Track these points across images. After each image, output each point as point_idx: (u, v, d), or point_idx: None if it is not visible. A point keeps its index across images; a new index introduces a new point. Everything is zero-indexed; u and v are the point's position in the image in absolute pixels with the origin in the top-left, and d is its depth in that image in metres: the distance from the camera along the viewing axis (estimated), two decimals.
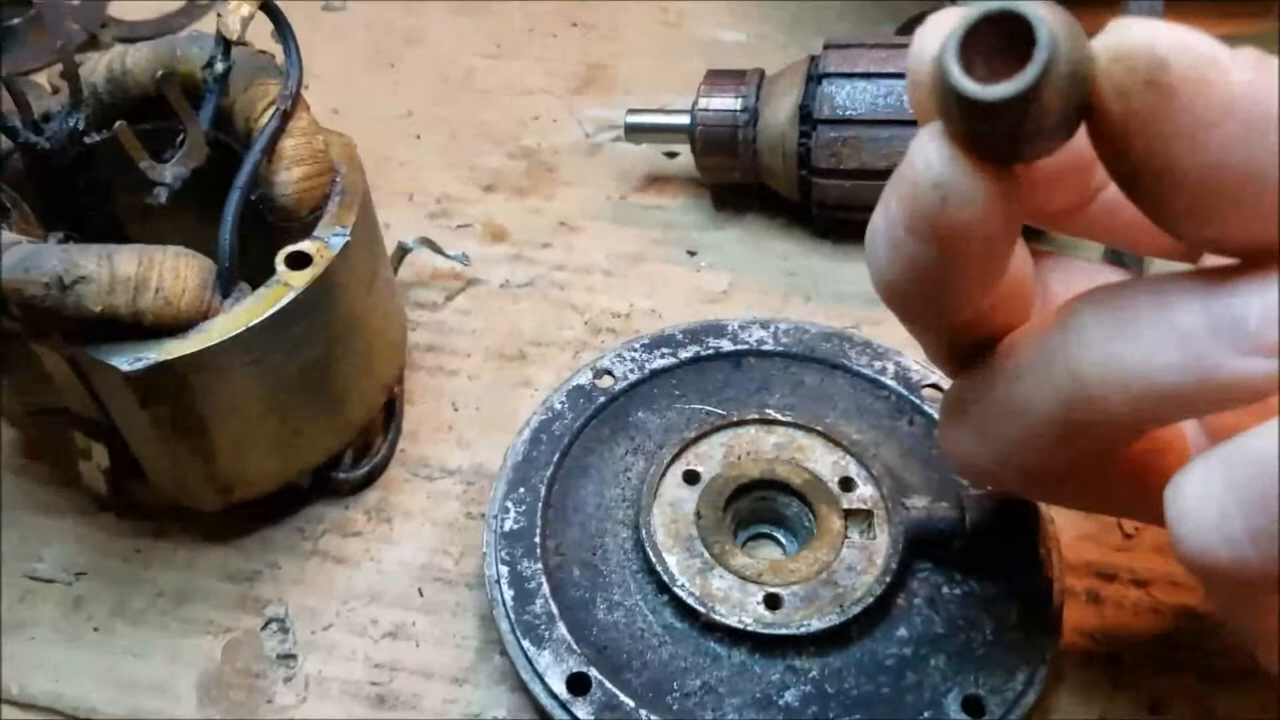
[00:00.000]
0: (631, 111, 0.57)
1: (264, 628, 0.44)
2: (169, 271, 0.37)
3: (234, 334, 0.38)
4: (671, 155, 0.61)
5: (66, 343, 0.38)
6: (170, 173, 0.39)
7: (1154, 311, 0.26)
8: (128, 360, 0.37)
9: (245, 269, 0.41)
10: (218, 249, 0.39)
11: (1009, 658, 0.39)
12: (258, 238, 0.42)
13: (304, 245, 0.40)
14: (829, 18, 0.68)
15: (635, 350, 0.48)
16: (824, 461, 0.43)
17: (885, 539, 0.41)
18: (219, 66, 0.40)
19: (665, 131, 0.57)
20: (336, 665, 0.43)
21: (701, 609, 0.39)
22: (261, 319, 0.39)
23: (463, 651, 0.43)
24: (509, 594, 0.41)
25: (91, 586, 0.45)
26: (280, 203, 0.41)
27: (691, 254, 0.57)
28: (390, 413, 0.49)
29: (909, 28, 0.66)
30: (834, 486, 0.43)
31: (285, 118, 0.41)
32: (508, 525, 0.43)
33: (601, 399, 0.46)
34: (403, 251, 0.54)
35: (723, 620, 0.39)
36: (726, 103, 0.54)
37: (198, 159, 0.40)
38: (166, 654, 0.43)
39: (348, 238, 0.41)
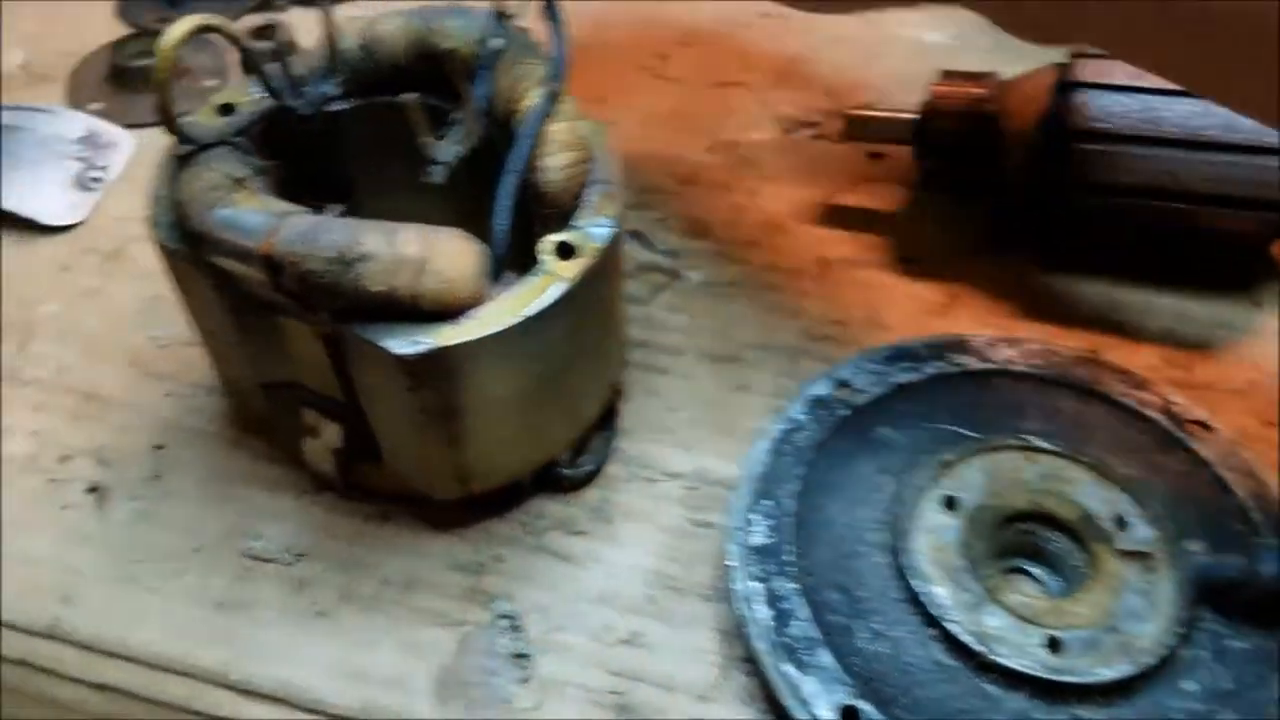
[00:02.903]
0: (854, 107, 0.54)
1: (494, 623, 0.42)
2: (448, 254, 0.35)
3: (507, 324, 0.36)
4: (877, 156, 0.59)
5: (332, 321, 0.36)
6: (448, 150, 0.37)
7: None
8: (404, 344, 0.35)
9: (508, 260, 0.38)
10: (491, 233, 0.37)
11: None
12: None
13: (568, 235, 0.38)
14: None
15: (875, 362, 0.45)
16: (1094, 496, 0.41)
17: (1169, 585, 0.38)
18: (495, 42, 0.38)
19: (890, 129, 0.54)
20: (573, 669, 0.41)
21: (979, 648, 0.37)
22: (536, 309, 0.36)
23: (704, 666, 0.41)
24: (765, 613, 0.38)
25: (314, 569, 0.43)
26: (545, 189, 0.38)
27: (907, 261, 0.54)
28: (608, 409, 0.47)
29: None
30: (1108, 524, 0.40)
31: (555, 99, 0.38)
32: (755, 539, 0.40)
33: (843, 412, 0.44)
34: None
35: (1003, 662, 0.36)
36: (963, 104, 0.51)
37: (474, 138, 0.38)
38: (399, 645, 0.41)
39: (615, 229, 0.39)
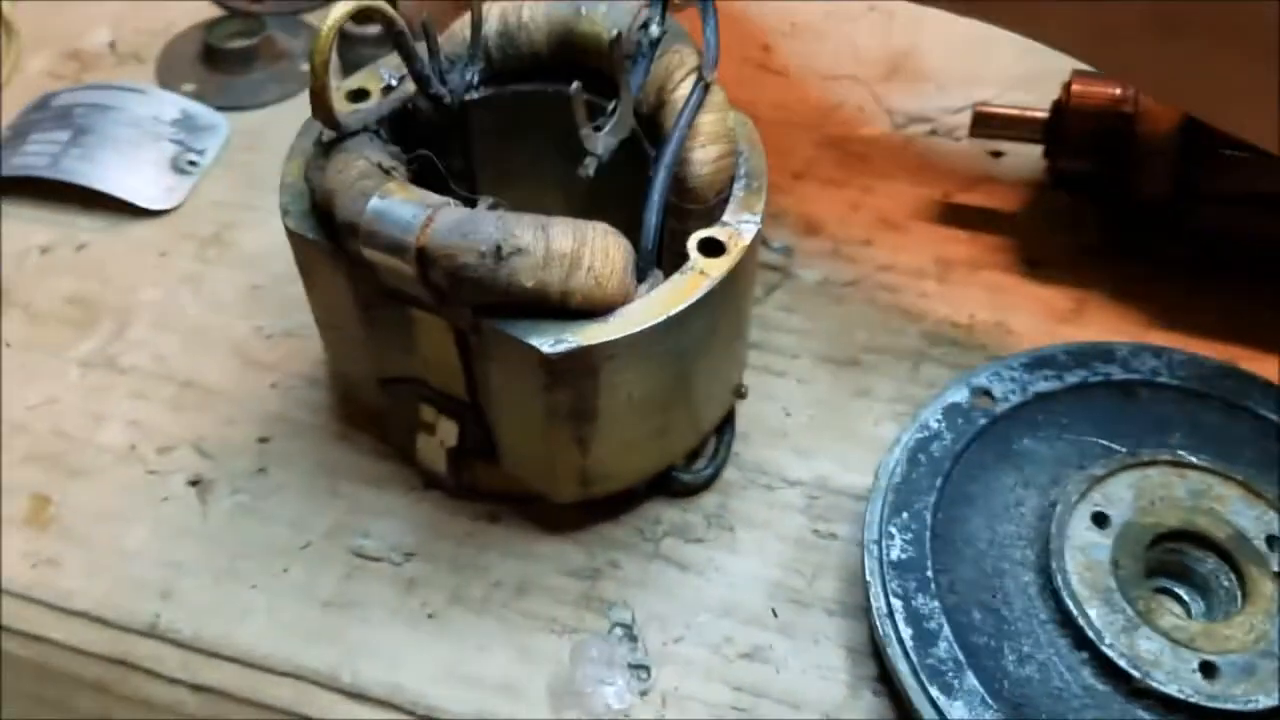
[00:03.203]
0: (981, 104, 0.53)
1: (610, 632, 0.41)
2: (600, 250, 0.34)
3: (655, 322, 0.35)
4: (997, 155, 0.57)
5: (476, 316, 0.35)
6: (602, 143, 0.36)
7: None
8: (549, 341, 0.34)
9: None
10: (641, 229, 0.36)
11: None
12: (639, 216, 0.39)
13: (716, 232, 0.37)
14: None
15: (1014, 369, 0.44)
16: (1245, 515, 0.39)
17: None
18: (654, 29, 0.37)
19: (1020, 127, 0.52)
20: (693, 683, 0.40)
21: (1134, 672, 0.35)
22: (681, 307, 0.35)
23: (831, 685, 0.39)
24: (906, 632, 0.37)
25: (423, 569, 0.43)
26: (693, 183, 0.37)
27: (1032, 264, 0.52)
28: (726, 413, 0.46)
29: None
30: (1260, 544, 0.38)
31: (707, 89, 0.37)
32: (894, 554, 0.39)
33: (982, 421, 0.42)
34: None
35: (1158, 687, 0.35)
36: (1102, 105, 0.49)
37: (626, 129, 0.36)
38: (512, 650, 0.40)
39: (759, 226, 0.38)
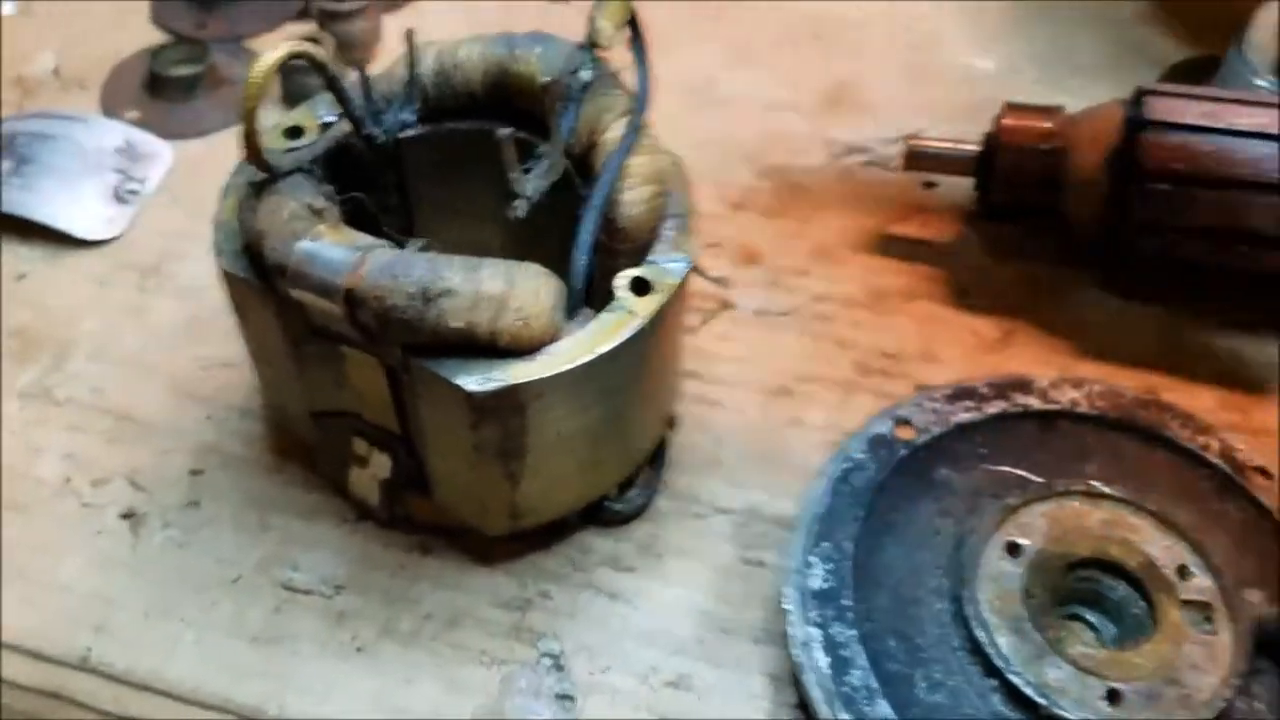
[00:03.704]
0: (914, 137, 0.55)
1: (539, 662, 0.42)
2: (529, 292, 0.36)
3: (583, 361, 0.37)
4: (930, 185, 0.59)
5: (402, 355, 0.37)
6: (531, 185, 0.37)
7: None
8: (477, 380, 0.36)
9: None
10: (570, 269, 0.37)
11: None
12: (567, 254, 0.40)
13: (645, 271, 0.39)
14: (1081, 51, 0.66)
15: (936, 400, 0.46)
16: (1157, 545, 0.41)
17: (1228, 636, 0.39)
18: (585, 74, 0.39)
19: (951, 161, 0.54)
20: (619, 712, 0.41)
21: (1041, 700, 0.37)
22: (609, 347, 0.37)
23: (753, 711, 0.41)
24: (822, 660, 0.39)
25: (353, 601, 0.44)
26: (623, 224, 0.39)
27: (963, 294, 0.55)
28: (658, 443, 0.48)
29: (1178, 74, 0.63)
30: (1170, 574, 0.40)
31: (637, 132, 0.39)
32: (815, 584, 0.41)
33: (903, 451, 0.44)
34: None
35: (1064, 715, 0.37)
36: (1031, 137, 0.52)
37: (557, 172, 0.38)
38: (441, 682, 0.42)
39: (690, 266, 0.39)
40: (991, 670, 0.38)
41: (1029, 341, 0.52)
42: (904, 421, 0.45)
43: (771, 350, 0.52)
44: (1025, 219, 0.54)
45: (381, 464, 0.43)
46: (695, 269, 0.52)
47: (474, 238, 0.44)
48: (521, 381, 0.36)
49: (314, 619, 0.44)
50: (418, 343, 0.36)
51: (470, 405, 0.36)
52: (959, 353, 0.52)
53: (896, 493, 0.44)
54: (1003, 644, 0.39)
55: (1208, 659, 0.39)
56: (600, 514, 0.46)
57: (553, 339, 0.37)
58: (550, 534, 0.45)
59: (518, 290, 0.35)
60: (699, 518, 0.47)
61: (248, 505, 0.47)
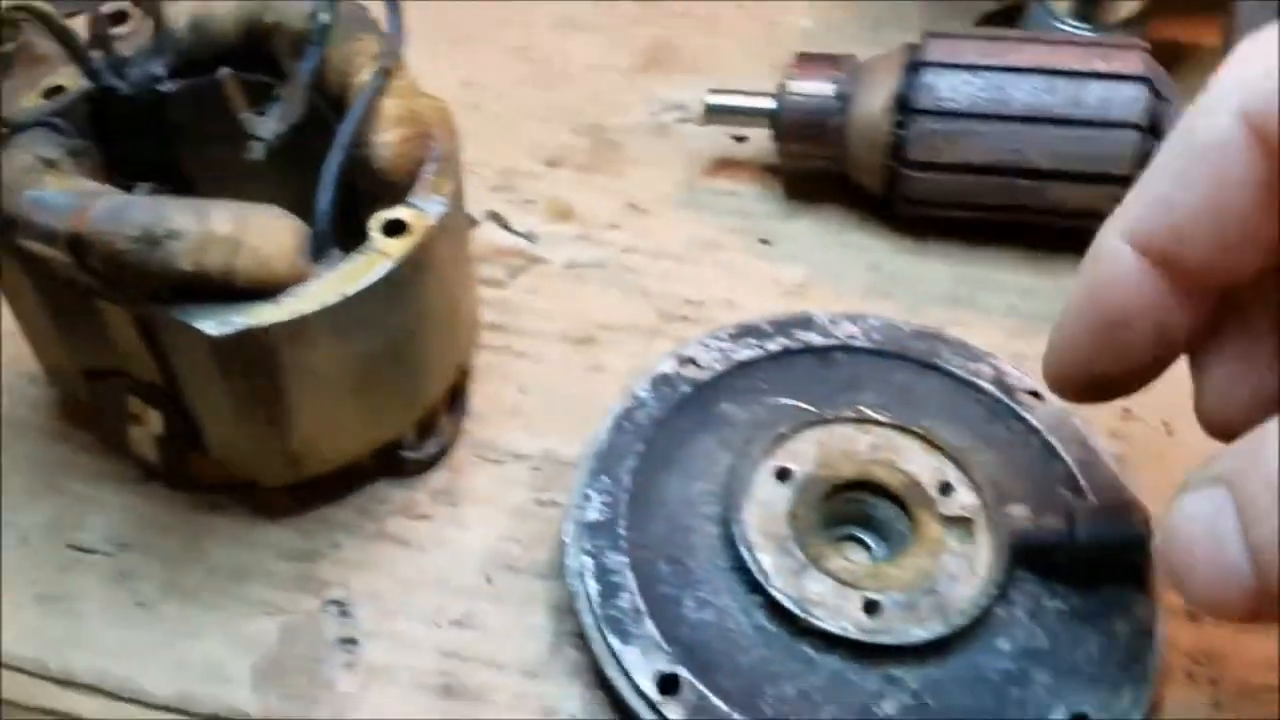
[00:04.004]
0: (712, 92, 0.57)
1: (324, 610, 0.43)
2: (263, 231, 0.36)
3: (329, 303, 0.37)
4: (740, 139, 0.61)
5: (147, 302, 0.37)
6: (268, 127, 0.38)
7: None
8: (215, 324, 0.36)
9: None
10: (314, 211, 0.38)
11: (1115, 675, 0.39)
12: (340, 201, 0.41)
13: (400, 212, 0.40)
14: (907, 8, 0.68)
15: (721, 340, 0.47)
16: (922, 465, 0.43)
17: (987, 548, 0.41)
18: (324, 17, 0.39)
19: (747, 114, 0.56)
20: (401, 652, 0.42)
21: (798, 612, 0.39)
22: (357, 288, 0.38)
23: (535, 644, 0.42)
24: (593, 587, 0.40)
25: (138, 560, 0.44)
26: (377, 165, 0.40)
27: (765, 243, 0.56)
28: (456, 391, 0.49)
29: (987, 22, 0.66)
30: (933, 491, 0.42)
31: (388, 75, 0.40)
32: (590, 516, 0.42)
33: (686, 389, 0.46)
34: (469, 224, 0.53)
35: (819, 625, 0.39)
36: (818, 87, 0.54)
37: (297, 114, 0.39)
38: (220, 634, 0.42)
39: (446, 208, 0.40)
40: (755, 587, 0.40)
41: (826, 286, 0.54)
42: (689, 360, 0.47)
43: (578, 302, 0.54)
44: (819, 169, 0.56)
45: (156, 421, 0.43)
46: (500, 223, 0.54)
47: (253, 193, 0.44)
48: (264, 324, 0.36)
49: (98, 578, 0.44)
50: (156, 289, 0.36)
51: (213, 350, 0.36)
52: (760, 299, 0.53)
53: (677, 428, 0.45)
54: (765, 562, 0.40)
55: (966, 570, 0.41)
56: (395, 463, 0.46)
57: (297, 281, 0.37)
58: (343, 486, 0.46)
59: (251, 231, 0.36)
60: (497, 464, 0.48)
61: (36, 470, 0.47)
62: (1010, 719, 0.38)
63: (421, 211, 0.40)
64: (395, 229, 0.39)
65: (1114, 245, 0.33)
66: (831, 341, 0.47)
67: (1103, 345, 0.34)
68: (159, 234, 0.35)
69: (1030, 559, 0.41)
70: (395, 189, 0.40)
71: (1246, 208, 0.31)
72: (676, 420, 0.45)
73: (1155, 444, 0.48)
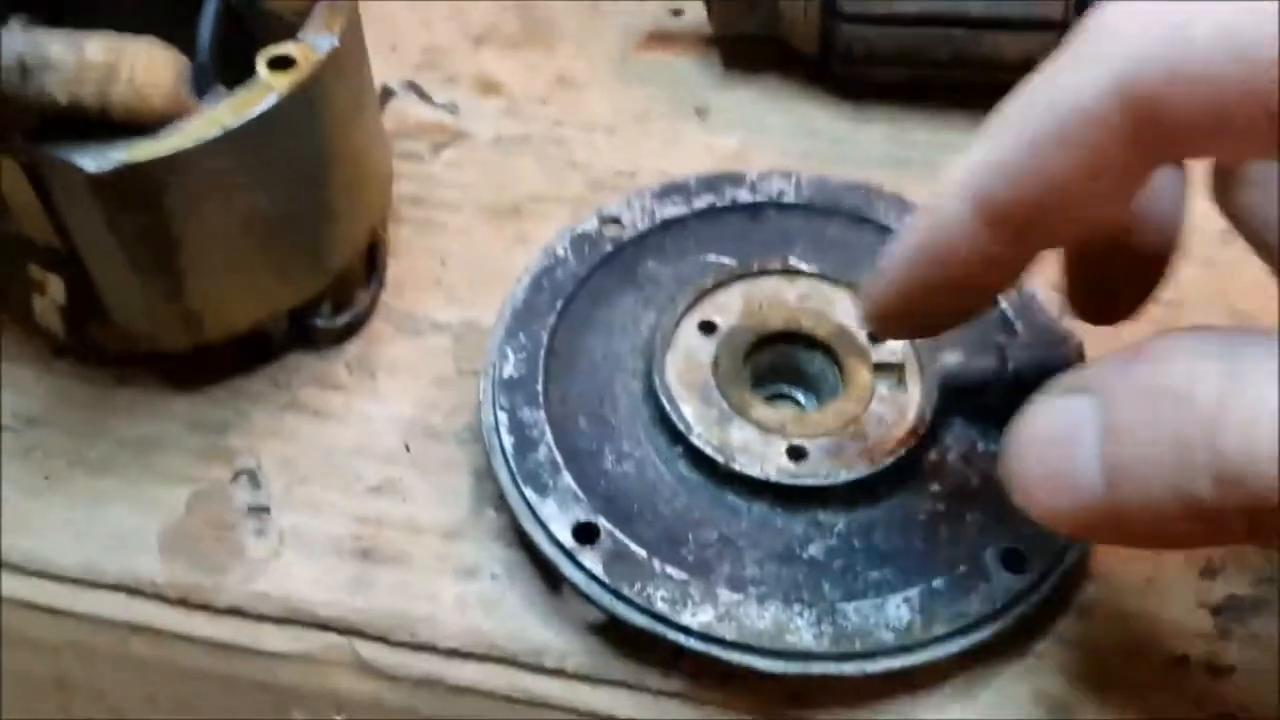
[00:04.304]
0: None
1: (234, 479, 0.41)
2: (141, 61, 0.34)
3: (212, 136, 0.35)
4: (677, 12, 0.59)
5: (26, 144, 0.35)
6: None
7: None
8: (94, 160, 0.34)
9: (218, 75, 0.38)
10: (196, 43, 0.36)
11: None
12: (234, 47, 0.39)
13: (287, 47, 0.38)
14: None
15: (644, 198, 0.46)
16: (850, 314, 0.42)
17: (917, 392, 0.40)
18: None
19: None
20: (315, 520, 0.40)
21: (719, 459, 0.38)
22: (241, 122, 0.36)
23: (454, 508, 0.41)
24: (509, 441, 0.39)
25: (45, 435, 0.43)
26: (264, 2, 0.38)
27: (701, 113, 0.54)
28: (373, 263, 0.47)
29: None
30: (862, 340, 0.41)
31: None
32: (506, 372, 0.41)
33: (609, 248, 0.44)
34: (386, 95, 0.51)
35: (742, 471, 0.37)
36: None
37: None
38: (127, 505, 0.41)
39: (336, 43, 0.38)
40: (676, 437, 0.38)
41: (763, 153, 0.52)
42: (612, 219, 0.45)
43: (504, 175, 0.52)
44: (758, 33, 0.54)
45: (58, 288, 0.41)
46: (419, 94, 0.52)
47: (134, 29, 0.42)
48: (145, 159, 0.34)
49: (4, 454, 0.42)
50: (35, 127, 0.34)
51: (93, 188, 0.35)
52: (694, 168, 0.51)
53: (599, 287, 0.43)
54: (687, 411, 0.39)
55: (895, 414, 0.39)
56: (309, 334, 0.45)
57: (178, 114, 0.35)
58: (255, 357, 0.44)
59: (126, 60, 0.34)
60: (416, 335, 0.46)
61: None
62: (940, 557, 0.37)
63: (310, 47, 0.38)
64: (282, 64, 0.37)
65: (955, 207, 0.29)
66: (761, 198, 0.46)
67: (929, 287, 0.32)
68: (32, 63, 0.33)
69: (962, 400, 0.39)
70: (286, 26, 0.38)
71: (1114, 183, 0.27)
72: (598, 279, 0.43)
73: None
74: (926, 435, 0.38)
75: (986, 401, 0.39)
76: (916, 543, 0.37)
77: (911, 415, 0.39)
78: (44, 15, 0.40)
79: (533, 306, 0.42)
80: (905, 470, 0.38)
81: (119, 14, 0.40)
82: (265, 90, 0.36)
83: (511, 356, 0.41)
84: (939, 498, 0.38)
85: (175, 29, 0.39)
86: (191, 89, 0.36)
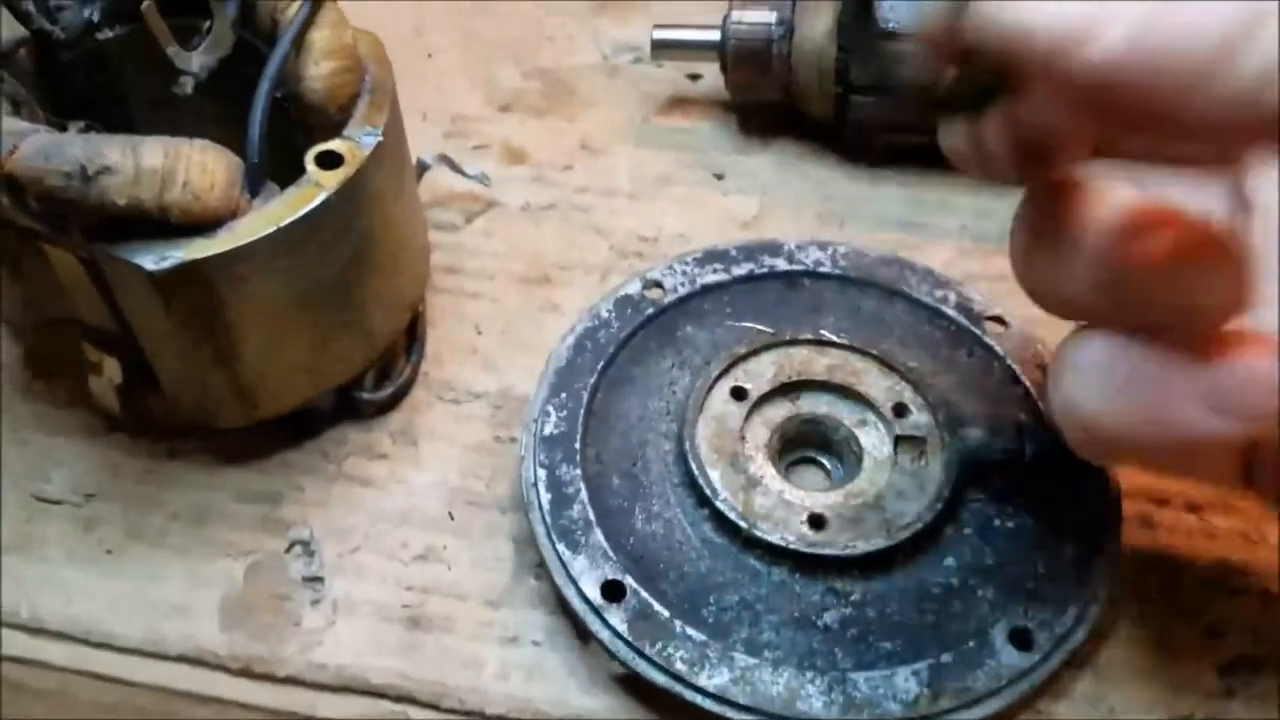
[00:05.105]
0: (658, 27, 0.56)
1: (288, 550, 0.43)
2: (196, 165, 0.36)
3: (264, 233, 0.37)
4: (695, 77, 0.60)
5: (86, 242, 0.37)
6: (197, 61, 0.37)
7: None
8: (153, 259, 0.36)
9: (269, 172, 0.39)
10: (246, 144, 0.37)
11: (1061, 593, 0.38)
12: (280, 141, 0.40)
13: (335, 145, 0.39)
14: None
15: (687, 264, 0.47)
16: (878, 386, 0.43)
17: (938, 467, 0.40)
18: None
19: (693, 48, 0.55)
20: (366, 587, 0.42)
21: (743, 524, 0.39)
22: (292, 219, 0.37)
23: (497, 575, 0.42)
24: (546, 498, 0.40)
25: (103, 508, 0.44)
26: (310, 99, 0.39)
27: (719, 177, 0.56)
28: (413, 334, 0.48)
29: None
30: (887, 411, 0.42)
31: (316, 7, 0.39)
32: (548, 429, 0.42)
33: (650, 310, 0.45)
34: (421, 169, 0.52)
35: (764, 537, 0.39)
36: (760, 15, 0.53)
37: (224, 47, 0.38)
38: (186, 577, 0.42)
39: (380, 138, 0.40)
40: (703, 500, 0.40)
41: (780, 217, 0.54)
42: (654, 284, 0.46)
43: (533, 242, 0.53)
44: (774, 99, 0.55)
45: (113, 368, 0.43)
46: (452, 166, 0.53)
47: (199, 132, 0.43)
48: (201, 257, 0.36)
49: (64, 527, 0.43)
50: (94, 226, 0.36)
51: (154, 285, 0.36)
52: (714, 233, 0.53)
53: (639, 348, 0.45)
54: (714, 476, 0.40)
55: (915, 488, 0.40)
56: (353, 406, 0.46)
57: (233, 215, 0.37)
58: (303, 430, 0.46)
59: (182, 164, 0.35)
60: (455, 403, 0.47)
61: (3, 424, 0.46)
62: (950, 632, 0.38)
63: (355, 143, 0.39)
64: (330, 161, 0.38)
65: None
66: (798, 267, 0.47)
67: None
68: (93, 170, 0.35)
69: (980, 477, 0.40)
70: (331, 122, 0.40)
71: None
72: (638, 340, 0.45)
73: None
74: (944, 510, 0.39)
75: (1005, 480, 0.40)
76: (929, 615, 0.38)
77: (931, 489, 0.40)
78: (103, 119, 0.41)
79: (575, 366, 0.44)
80: (921, 543, 0.39)
81: (174, 113, 0.42)
82: (315, 188, 0.38)
83: (553, 414, 0.42)
84: (953, 572, 0.39)
85: (225, 124, 0.41)
86: (244, 188, 0.37)
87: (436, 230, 0.53)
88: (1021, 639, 0.37)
